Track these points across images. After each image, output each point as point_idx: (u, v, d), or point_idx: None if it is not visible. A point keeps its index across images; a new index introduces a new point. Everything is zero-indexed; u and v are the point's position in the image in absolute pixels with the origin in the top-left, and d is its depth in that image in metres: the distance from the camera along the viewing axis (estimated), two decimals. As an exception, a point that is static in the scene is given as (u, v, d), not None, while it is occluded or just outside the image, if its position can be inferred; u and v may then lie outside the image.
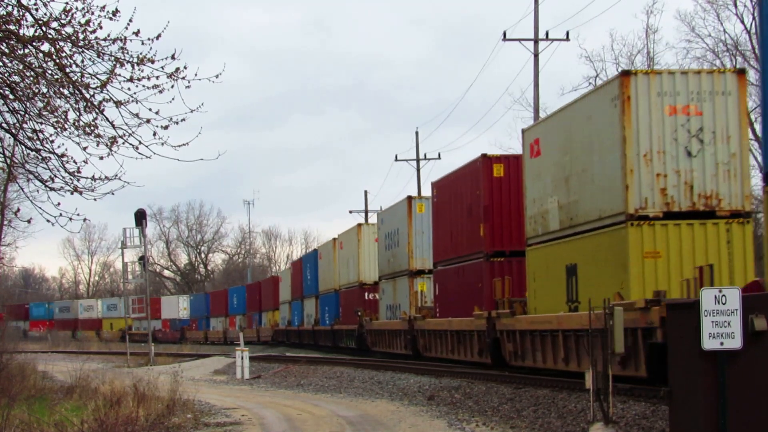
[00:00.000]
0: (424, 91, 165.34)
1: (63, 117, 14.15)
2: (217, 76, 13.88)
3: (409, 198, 37.91)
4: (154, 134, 13.80)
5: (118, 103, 13.71)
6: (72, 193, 14.54)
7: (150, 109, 13.74)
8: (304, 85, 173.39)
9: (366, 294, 46.05)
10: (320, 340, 56.84)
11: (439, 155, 66.40)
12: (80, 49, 13.47)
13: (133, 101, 13.70)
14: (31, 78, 13.86)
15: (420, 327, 34.81)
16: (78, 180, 14.44)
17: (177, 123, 13.78)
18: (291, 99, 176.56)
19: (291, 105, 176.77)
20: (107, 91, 13.72)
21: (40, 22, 13.23)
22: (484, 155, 28.27)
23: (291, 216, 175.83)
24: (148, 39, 13.40)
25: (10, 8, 13.35)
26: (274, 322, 72.67)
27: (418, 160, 66.11)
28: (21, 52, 13.59)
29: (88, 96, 13.71)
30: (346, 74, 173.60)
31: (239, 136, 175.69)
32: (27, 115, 14.49)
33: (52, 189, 14.74)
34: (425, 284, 36.95)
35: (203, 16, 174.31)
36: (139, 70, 13.56)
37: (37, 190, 15.70)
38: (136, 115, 13.77)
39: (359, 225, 47.50)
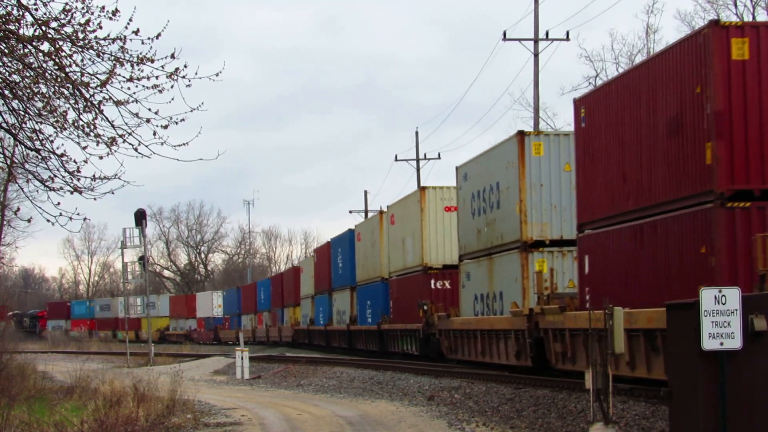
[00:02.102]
0: (433, 90, 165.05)
1: (63, 117, 14.15)
2: (217, 75, 13.87)
3: (521, 134, 25.61)
4: (154, 134, 13.81)
5: (117, 103, 13.71)
6: (72, 193, 14.54)
7: (149, 109, 13.75)
8: (314, 84, 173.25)
9: (433, 282, 34.86)
10: (359, 343, 45.78)
11: (439, 155, 66.50)
12: (80, 49, 13.47)
13: (132, 101, 13.71)
14: (31, 78, 13.86)
15: (552, 325, 22.56)
16: (78, 180, 14.44)
17: (177, 123, 13.78)
18: (300, 98, 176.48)
19: (299, 104, 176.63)
20: (107, 90, 13.72)
21: (40, 21, 13.23)
22: (715, 22, 17.07)
23: (293, 216, 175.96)
24: (148, 38, 13.41)
25: (9, 8, 13.35)
26: (294, 321, 63.30)
27: (418, 160, 66.15)
28: (21, 52, 13.59)
29: (87, 96, 13.71)
30: (355, 73, 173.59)
31: (247, 135, 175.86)
32: (27, 115, 14.49)
33: (52, 189, 14.73)
34: (545, 262, 24.95)
35: (214, 16, 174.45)
36: (138, 69, 13.57)
37: (37, 190, 15.70)
38: (136, 115, 13.77)
39: (422, 189, 35.66)
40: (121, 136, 13.92)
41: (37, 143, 14.67)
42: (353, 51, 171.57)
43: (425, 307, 33.47)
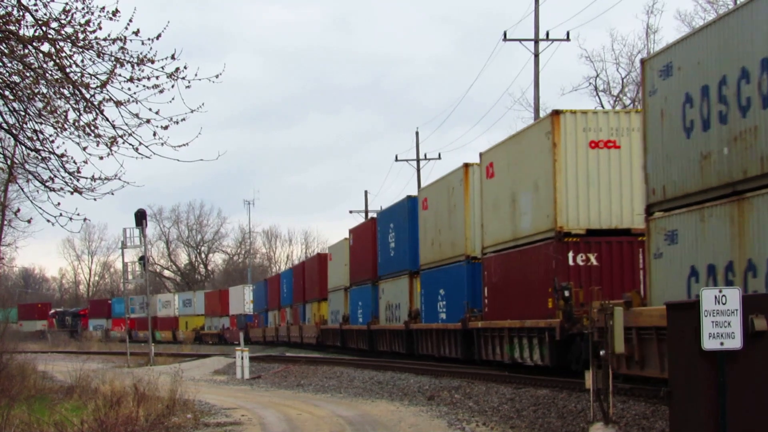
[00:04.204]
0: (441, 90, 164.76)
1: (63, 117, 14.18)
2: (217, 76, 13.92)
3: None
4: (154, 134, 13.84)
5: (118, 103, 13.74)
6: (72, 193, 14.57)
7: (150, 110, 13.77)
8: (323, 83, 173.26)
9: (572, 255, 23.55)
10: (425, 347, 34.50)
11: (439, 155, 66.55)
12: (80, 49, 13.49)
13: (133, 101, 13.73)
14: (31, 78, 13.88)
15: None
16: (78, 180, 14.48)
17: (177, 123, 13.81)
18: (308, 97, 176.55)
19: (308, 104, 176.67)
20: (107, 91, 13.75)
21: (40, 22, 13.25)
22: None
23: (293, 216, 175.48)
24: (149, 39, 13.44)
25: (10, 8, 13.37)
26: (320, 318, 54.19)
27: (418, 160, 66.18)
28: (21, 52, 13.61)
29: (88, 96, 13.74)
30: (364, 72, 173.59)
31: (253, 135, 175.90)
32: (27, 116, 14.52)
33: (52, 189, 14.76)
34: None
35: (225, 15, 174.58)
36: (139, 70, 13.59)
37: (37, 190, 15.77)
38: (136, 116, 13.81)
39: (555, 114, 23.92)
40: (121, 136, 13.96)
41: (38, 143, 14.70)
42: (363, 50, 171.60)
43: (567, 293, 22.28)
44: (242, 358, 38.10)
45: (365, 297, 43.08)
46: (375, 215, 44.68)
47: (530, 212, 25.14)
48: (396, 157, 73.27)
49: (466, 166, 30.72)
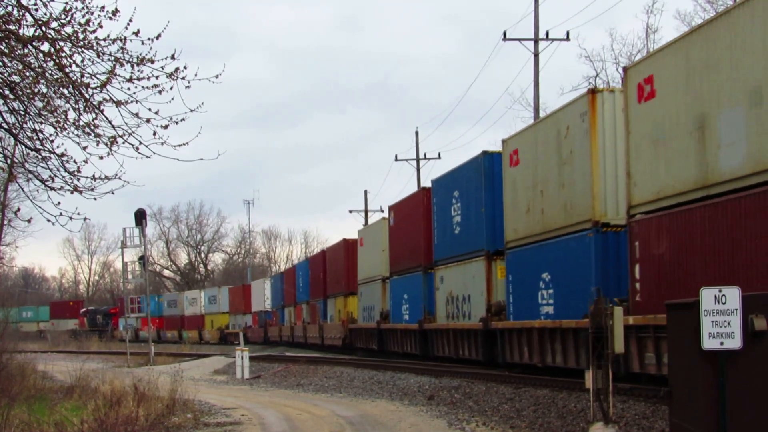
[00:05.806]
0: (447, 89, 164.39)
1: (63, 117, 14.20)
2: (217, 77, 13.93)
3: None
4: (154, 134, 13.85)
5: (117, 103, 13.75)
6: (72, 193, 14.58)
7: (150, 109, 13.78)
8: (330, 82, 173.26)
9: None
10: (518, 353, 25.23)
11: (439, 155, 66.50)
12: (80, 49, 13.50)
13: (132, 101, 13.74)
14: (31, 78, 13.89)
15: None
16: (78, 179, 14.49)
17: (177, 123, 13.82)
18: (314, 97, 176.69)
19: (313, 103, 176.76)
20: (107, 91, 13.75)
21: (40, 22, 13.26)
22: None
23: (294, 216, 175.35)
24: (148, 39, 13.45)
25: (10, 8, 13.37)
26: (346, 316, 46.50)
27: (418, 160, 66.16)
28: (21, 52, 13.62)
29: (87, 96, 13.74)
30: (371, 72, 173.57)
31: (259, 134, 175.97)
32: (27, 115, 14.53)
33: (52, 188, 14.77)
34: None
35: (233, 15, 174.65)
36: (138, 70, 13.60)
37: (37, 190, 15.78)
38: (136, 115, 13.81)
39: None
40: (121, 136, 13.97)
41: (38, 143, 14.71)
42: (370, 49, 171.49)
43: None
44: (242, 358, 38.11)
45: (414, 288, 34.42)
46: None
47: (743, 140, 15.81)
48: (396, 156, 73.21)
49: (593, 92, 21.49)
